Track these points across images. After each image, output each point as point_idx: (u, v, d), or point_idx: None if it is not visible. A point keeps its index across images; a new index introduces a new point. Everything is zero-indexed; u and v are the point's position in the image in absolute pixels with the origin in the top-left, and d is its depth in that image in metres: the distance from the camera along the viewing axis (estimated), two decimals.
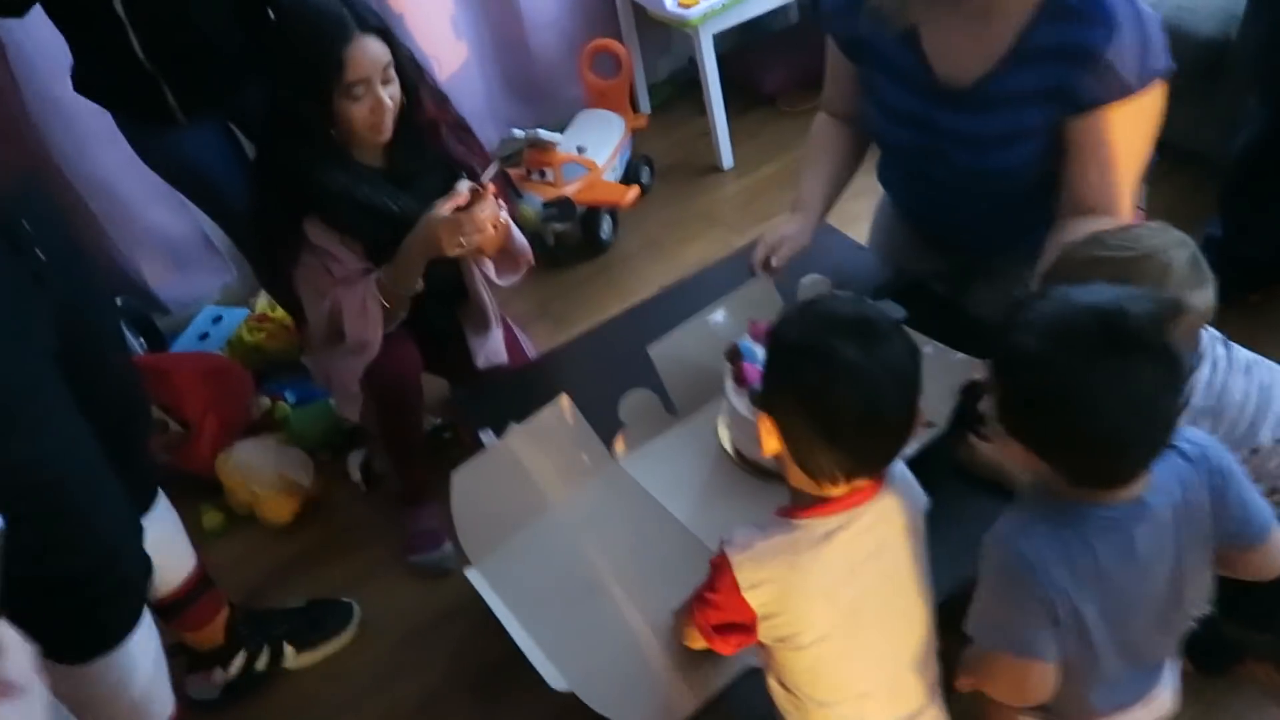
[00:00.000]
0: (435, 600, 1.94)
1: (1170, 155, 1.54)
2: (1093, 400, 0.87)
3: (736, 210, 2.79)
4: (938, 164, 1.50)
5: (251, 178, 1.74)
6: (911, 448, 1.34)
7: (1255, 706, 1.48)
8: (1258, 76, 1.90)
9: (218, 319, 2.54)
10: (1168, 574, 0.99)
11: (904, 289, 1.67)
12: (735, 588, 1.01)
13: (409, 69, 1.66)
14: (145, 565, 1.32)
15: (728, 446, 1.51)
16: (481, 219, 1.61)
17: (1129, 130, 1.33)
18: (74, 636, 1.23)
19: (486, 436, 1.52)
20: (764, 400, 1.01)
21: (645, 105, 3.15)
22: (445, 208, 1.61)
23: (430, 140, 1.73)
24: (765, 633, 1.04)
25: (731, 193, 2.86)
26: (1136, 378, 0.86)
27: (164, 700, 1.40)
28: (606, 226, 2.68)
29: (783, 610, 1.01)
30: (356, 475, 2.18)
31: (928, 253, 1.74)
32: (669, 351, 1.61)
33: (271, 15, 1.89)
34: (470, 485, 1.43)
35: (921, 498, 1.10)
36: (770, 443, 1.00)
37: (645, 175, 2.84)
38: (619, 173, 2.74)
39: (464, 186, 1.66)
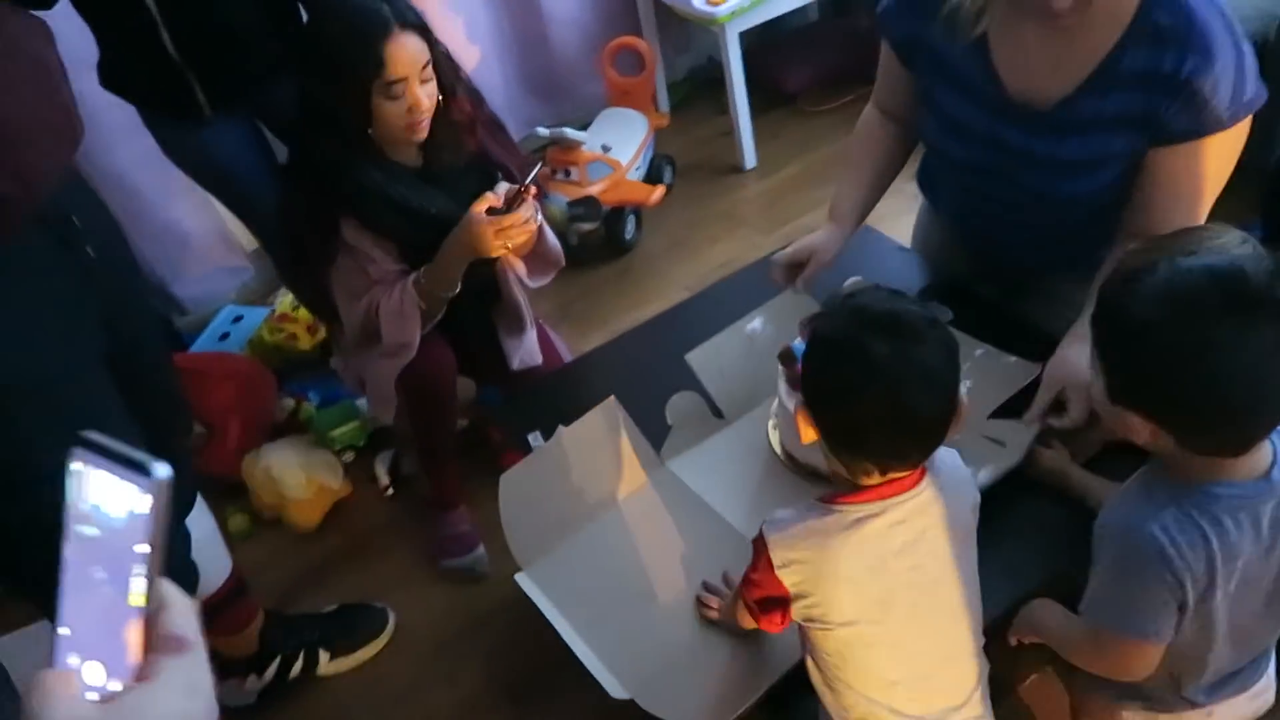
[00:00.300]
0: (469, 605, 1.91)
1: None
2: (1217, 361, 0.86)
3: (760, 211, 2.77)
4: (1001, 183, 1.41)
5: (283, 177, 1.71)
6: (986, 475, 1.32)
7: None
8: None
9: (238, 318, 2.51)
10: None
11: (950, 292, 1.65)
12: (770, 565, 1.03)
13: (446, 67, 1.64)
14: (191, 575, 1.30)
15: (778, 449, 1.49)
16: (524, 220, 1.58)
17: (1215, 164, 1.26)
18: None
19: (534, 440, 1.50)
20: (802, 390, 1.03)
21: (664, 104, 3.13)
22: (481, 208, 1.59)
23: (466, 140, 1.71)
24: (798, 612, 1.06)
25: (755, 193, 2.84)
26: (1260, 335, 0.86)
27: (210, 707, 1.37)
28: (630, 226, 2.65)
29: (812, 591, 1.02)
30: (384, 478, 2.16)
31: (973, 264, 1.69)
32: (708, 359, 1.60)
33: (303, 10, 1.87)
34: (520, 489, 1.40)
35: (972, 493, 1.09)
36: (807, 432, 1.03)
37: (668, 175, 2.82)
38: (643, 172, 2.72)
39: (502, 188, 1.63)
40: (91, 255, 1.15)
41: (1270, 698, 1.12)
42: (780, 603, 1.06)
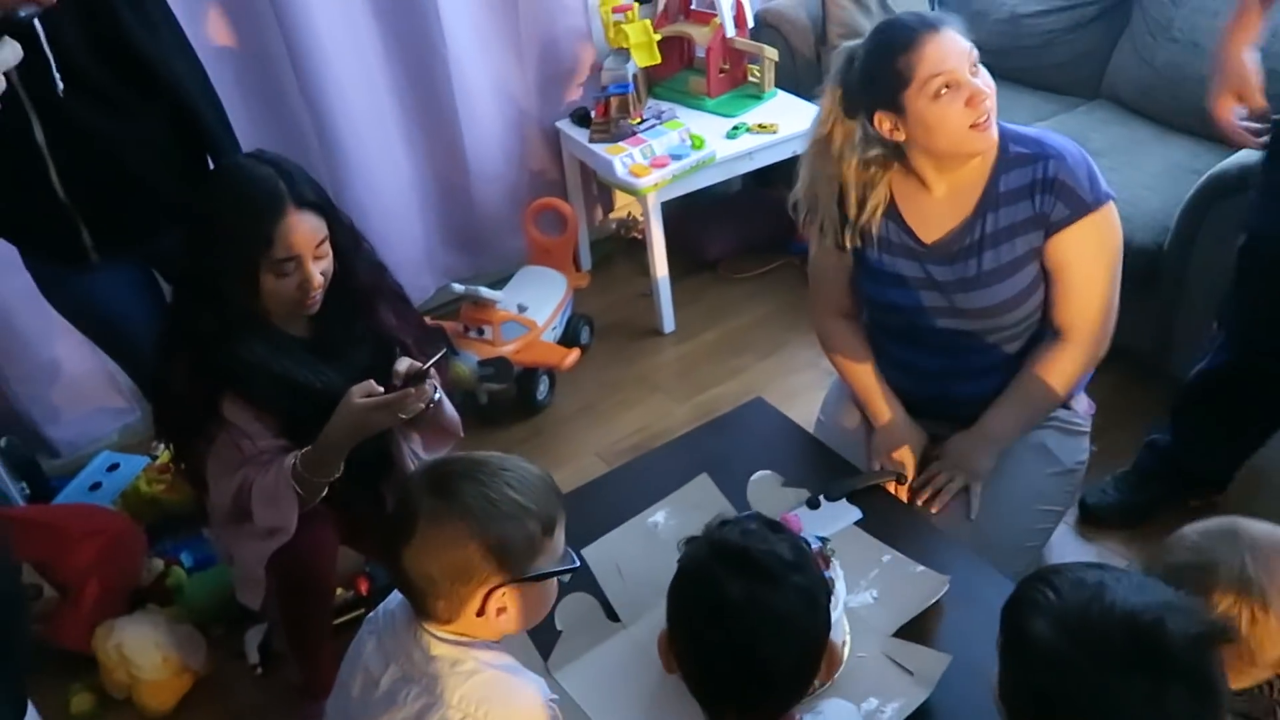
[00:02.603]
0: None
1: (1110, 352, 1.66)
2: (1107, 713, 0.79)
3: (676, 376, 2.73)
4: (940, 315, 1.64)
5: (158, 347, 1.60)
6: (892, 711, 1.21)
7: None
8: (1220, 315, 1.92)
9: (114, 467, 2.34)
10: None
11: (860, 489, 1.61)
12: None
13: (345, 238, 1.58)
14: None
15: None
16: (420, 397, 1.51)
17: (1098, 247, 1.55)
18: None
19: None
20: (667, 620, 1.00)
21: (586, 260, 3.12)
22: (360, 392, 1.50)
23: (362, 311, 1.64)
24: None
25: (671, 358, 2.81)
26: (1165, 703, 0.78)
27: None
28: (543, 387, 2.59)
29: None
30: (254, 656, 1.98)
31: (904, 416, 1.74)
32: (605, 554, 1.52)
33: (210, 162, 1.81)
34: None
35: None
36: (668, 662, 0.99)
37: (585, 335, 2.78)
38: (559, 332, 2.67)
39: (403, 364, 1.56)
40: None
41: None
42: None
